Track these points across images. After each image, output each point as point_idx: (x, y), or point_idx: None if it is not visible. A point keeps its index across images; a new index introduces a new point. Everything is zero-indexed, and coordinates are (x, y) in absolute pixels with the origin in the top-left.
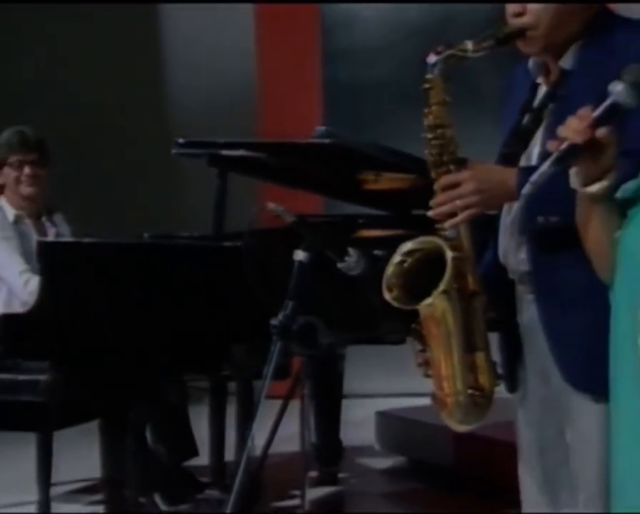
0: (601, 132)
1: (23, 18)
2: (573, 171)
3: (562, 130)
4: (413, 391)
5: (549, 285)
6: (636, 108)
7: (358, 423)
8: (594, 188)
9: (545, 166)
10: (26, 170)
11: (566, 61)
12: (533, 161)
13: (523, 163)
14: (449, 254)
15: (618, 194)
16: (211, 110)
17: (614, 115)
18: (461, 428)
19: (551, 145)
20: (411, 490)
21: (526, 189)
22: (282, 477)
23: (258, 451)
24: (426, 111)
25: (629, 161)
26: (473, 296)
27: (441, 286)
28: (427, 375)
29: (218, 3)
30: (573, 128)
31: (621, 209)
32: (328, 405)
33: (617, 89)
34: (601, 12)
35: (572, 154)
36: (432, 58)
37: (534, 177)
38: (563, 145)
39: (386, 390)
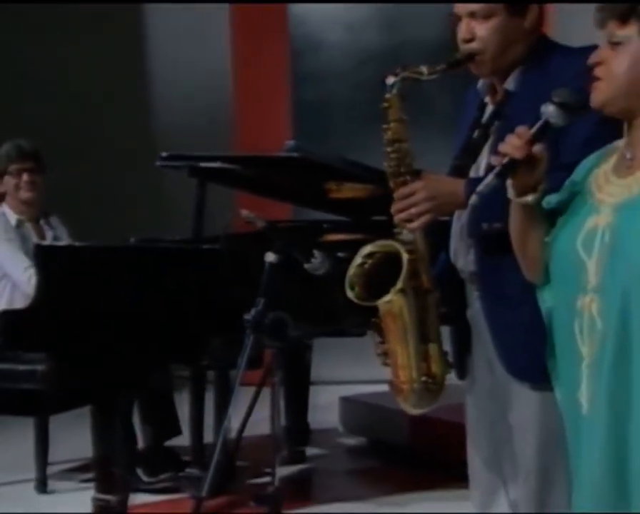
0: (537, 148)
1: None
2: (509, 183)
3: (503, 147)
4: (374, 378)
5: (493, 283)
6: (565, 125)
7: (324, 407)
8: (529, 198)
9: (489, 179)
10: (24, 177)
11: (510, 83)
12: (481, 172)
13: (472, 174)
14: (405, 256)
15: (544, 205)
16: (192, 125)
17: (546, 132)
18: (416, 412)
19: (494, 160)
20: (372, 466)
21: (473, 199)
22: (255, 457)
23: (233, 433)
24: (384, 127)
25: (552, 177)
26: (427, 293)
27: (398, 285)
28: (385, 364)
29: (198, 24)
30: (513, 145)
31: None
32: (297, 392)
33: (548, 110)
34: (541, 39)
35: (512, 168)
36: (390, 80)
37: (480, 187)
38: (504, 160)
39: (349, 377)
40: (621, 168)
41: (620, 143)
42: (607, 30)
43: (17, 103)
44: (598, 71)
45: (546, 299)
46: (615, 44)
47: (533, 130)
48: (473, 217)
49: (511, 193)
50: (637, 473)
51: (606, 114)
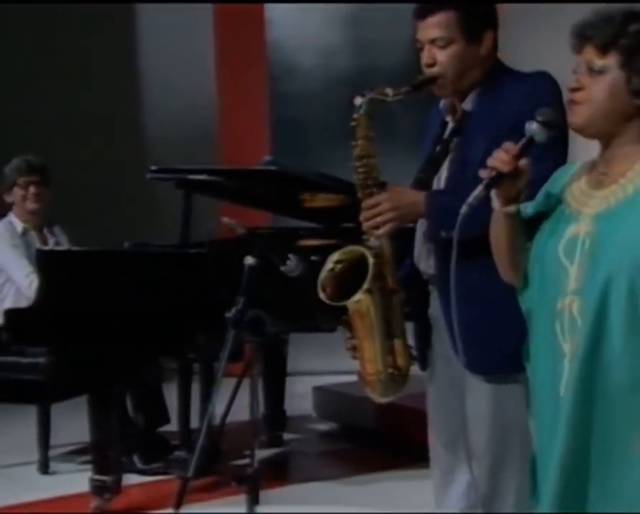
0: (523, 163)
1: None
2: (494, 193)
3: (491, 161)
4: (344, 369)
5: (449, 285)
6: (546, 142)
7: (299, 396)
8: (512, 207)
9: (477, 191)
10: (31, 189)
11: (467, 104)
12: (442, 184)
13: (435, 185)
14: (371, 260)
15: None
16: (180, 141)
17: (530, 148)
18: (382, 400)
19: (482, 173)
20: (342, 449)
21: (464, 210)
22: (236, 441)
23: (217, 420)
24: (353, 143)
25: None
26: (392, 294)
27: (365, 286)
28: (354, 358)
29: (186, 51)
30: (501, 159)
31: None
32: (274, 382)
33: (532, 128)
34: (496, 65)
35: (499, 180)
36: (358, 100)
37: (470, 200)
38: (492, 173)
39: (322, 368)
40: (595, 182)
41: (589, 160)
42: (585, 56)
43: (18, 119)
44: (578, 96)
45: (526, 301)
46: (593, 72)
47: (519, 145)
48: (463, 226)
49: (496, 203)
50: (599, 454)
51: (584, 136)
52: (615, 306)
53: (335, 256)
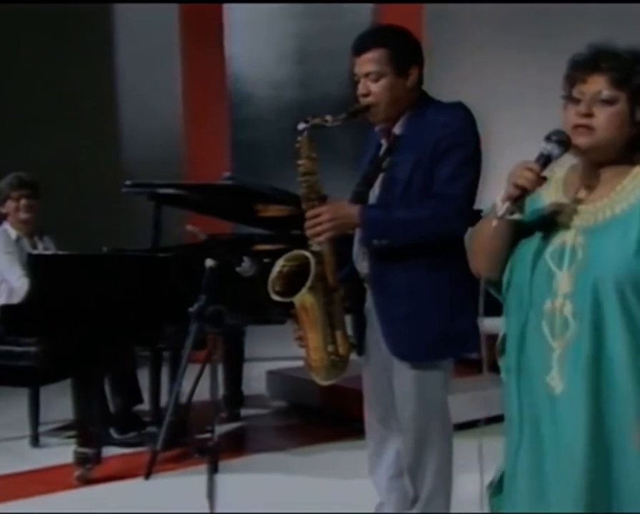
0: (542, 180)
1: None
2: (499, 199)
3: (518, 179)
4: (293, 356)
5: (381, 284)
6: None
7: (255, 378)
8: (517, 215)
9: (507, 205)
10: (23, 201)
11: (398, 129)
12: (376, 198)
13: (370, 199)
14: (313, 262)
15: None
16: (152, 160)
17: (547, 165)
18: (325, 382)
19: (509, 190)
20: (291, 424)
21: (494, 224)
22: (200, 418)
23: (183, 399)
24: (298, 162)
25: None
26: (333, 291)
27: (308, 284)
28: (301, 346)
29: (158, 83)
30: (527, 178)
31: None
32: (233, 366)
33: (549, 147)
34: (421, 95)
35: (523, 195)
36: (302, 126)
37: (501, 213)
38: (517, 192)
39: (274, 355)
40: (577, 197)
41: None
42: (592, 86)
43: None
44: (587, 121)
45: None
46: (602, 101)
47: (539, 164)
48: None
49: (500, 209)
50: (615, 440)
51: (586, 156)
52: (609, 308)
53: (283, 259)
